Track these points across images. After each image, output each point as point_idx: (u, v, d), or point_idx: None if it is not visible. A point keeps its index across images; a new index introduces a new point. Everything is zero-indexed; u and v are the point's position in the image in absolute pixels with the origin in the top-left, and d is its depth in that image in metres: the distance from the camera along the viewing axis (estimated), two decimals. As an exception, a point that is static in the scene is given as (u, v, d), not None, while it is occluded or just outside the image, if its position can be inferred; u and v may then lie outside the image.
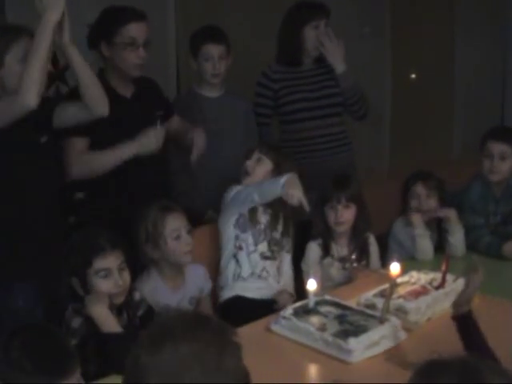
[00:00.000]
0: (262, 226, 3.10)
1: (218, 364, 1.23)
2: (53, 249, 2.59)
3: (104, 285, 2.39)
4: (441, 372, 1.31)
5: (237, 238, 3.07)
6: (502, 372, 1.34)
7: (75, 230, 3.20)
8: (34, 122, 2.57)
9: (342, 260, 3.11)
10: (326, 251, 3.11)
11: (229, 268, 3.08)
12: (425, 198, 3.26)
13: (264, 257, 3.10)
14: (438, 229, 3.30)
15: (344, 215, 3.06)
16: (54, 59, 3.64)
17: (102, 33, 2.94)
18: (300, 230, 3.20)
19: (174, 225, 2.81)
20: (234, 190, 3.05)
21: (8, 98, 2.53)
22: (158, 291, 2.78)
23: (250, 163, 3.08)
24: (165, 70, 4.04)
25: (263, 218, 3.10)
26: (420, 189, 3.27)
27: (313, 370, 2.35)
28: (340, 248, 3.13)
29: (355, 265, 3.12)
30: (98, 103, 2.66)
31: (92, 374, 2.24)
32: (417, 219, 3.21)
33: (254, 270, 3.07)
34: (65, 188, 3.44)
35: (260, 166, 3.08)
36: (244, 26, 4.28)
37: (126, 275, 2.46)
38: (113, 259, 2.41)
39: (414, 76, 5.71)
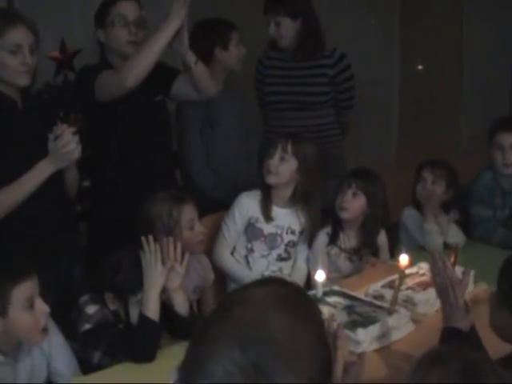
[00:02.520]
0: (279, 231, 3.03)
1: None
2: (63, 237, 2.58)
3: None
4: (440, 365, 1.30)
5: (248, 240, 3.03)
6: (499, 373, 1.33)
7: (82, 218, 3.21)
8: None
9: (349, 252, 3.05)
10: (333, 240, 3.04)
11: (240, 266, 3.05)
12: (430, 183, 3.21)
13: (281, 258, 3.06)
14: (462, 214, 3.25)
15: (349, 201, 2.95)
16: (62, 46, 3.63)
17: (96, 21, 2.93)
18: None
19: (190, 215, 2.72)
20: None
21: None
22: None
23: (273, 163, 2.95)
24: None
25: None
26: (427, 173, 3.23)
27: (320, 361, 2.33)
28: (347, 239, 3.05)
29: (361, 260, 3.05)
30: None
31: (94, 363, 2.25)
32: (428, 214, 3.15)
33: (264, 273, 3.01)
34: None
35: (284, 166, 2.95)
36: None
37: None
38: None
39: (422, 67, 5.69)
